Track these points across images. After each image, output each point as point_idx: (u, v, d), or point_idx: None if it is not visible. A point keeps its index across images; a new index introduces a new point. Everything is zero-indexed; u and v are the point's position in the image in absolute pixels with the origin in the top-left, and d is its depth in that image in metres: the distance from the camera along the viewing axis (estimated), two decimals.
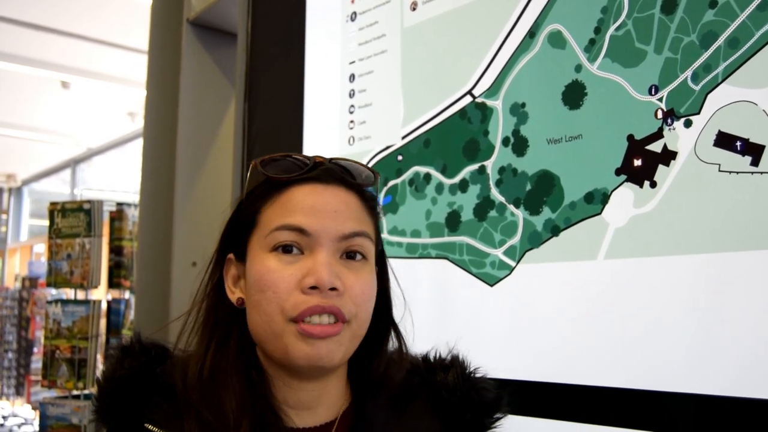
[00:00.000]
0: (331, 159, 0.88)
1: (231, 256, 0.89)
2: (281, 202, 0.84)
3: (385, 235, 1.67)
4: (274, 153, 0.90)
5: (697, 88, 1.13)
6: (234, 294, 0.88)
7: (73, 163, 10.01)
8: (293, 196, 0.84)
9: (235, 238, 0.88)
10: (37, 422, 3.43)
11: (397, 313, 0.95)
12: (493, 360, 1.40)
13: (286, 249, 0.82)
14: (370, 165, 1.72)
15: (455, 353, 0.96)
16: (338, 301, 0.80)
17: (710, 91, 1.12)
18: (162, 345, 0.91)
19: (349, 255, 0.84)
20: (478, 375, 0.94)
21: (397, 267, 1.63)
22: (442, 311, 1.52)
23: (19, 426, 8.23)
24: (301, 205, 0.83)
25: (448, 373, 0.92)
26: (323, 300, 0.79)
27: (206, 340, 0.86)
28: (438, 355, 0.96)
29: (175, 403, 0.82)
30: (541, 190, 1.35)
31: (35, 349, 7.92)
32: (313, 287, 0.79)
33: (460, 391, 0.91)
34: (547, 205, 1.34)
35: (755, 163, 1.06)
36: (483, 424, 0.91)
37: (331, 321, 0.80)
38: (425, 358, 0.97)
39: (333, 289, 0.80)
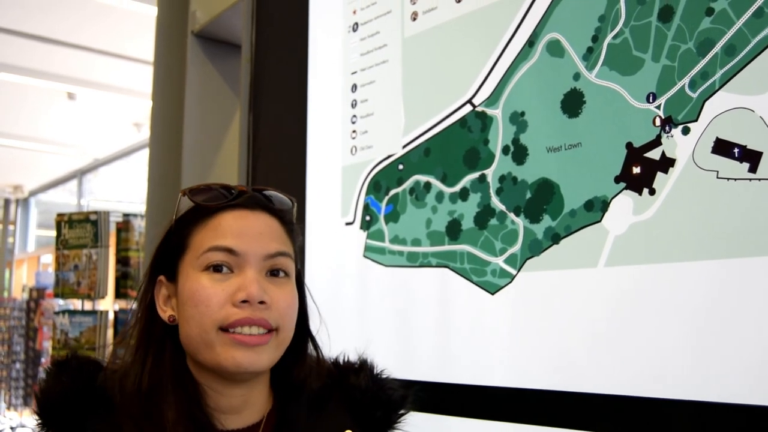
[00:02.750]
0: (253, 188, 0.97)
1: (162, 277, 0.96)
2: (211, 226, 0.93)
3: (386, 244, 1.68)
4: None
5: (694, 95, 1.14)
6: (165, 312, 0.95)
7: (80, 174, 10.05)
8: (222, 221, 0.93)
9: (166, 261, 0.96)
10: None
11: (314, 326, 1.05)
12: (494, 368, 1.41)
13: (217, 268, 0.90)
14: (371, 174, 1.74)
15: (363, 357, 1.05)
16: (266, 313, 0.89)
17: (708, 99, 1.12)
18: (95, 360, 0.97)
19: (273, 272, 0.93)
20: (384, 376, 1.04)
21: (397, 276, 1.65)
22: (443, 320, 1.52)
23: None
24: (230, 229, 0.92)
25: (359, 375, 1.02)
26: (253, 313, 0.88)
27: (142, 356, 0.93)
28: (347, 359, 1.06)
29: (113, 415, 0.89)
30: (541, 198, 1.36)
31: (43, 360, 7.94)
32: (244, 301, 0.88)
33: (371, 391, 1.00)
34: (548, 213, 1.34)
35: (753, 169, 1.06)
36: (390, 419, 1.01)
37: (261, 332, 0.89)
38: (336, 362, 1.05)
39: (261, 302, 0.89)
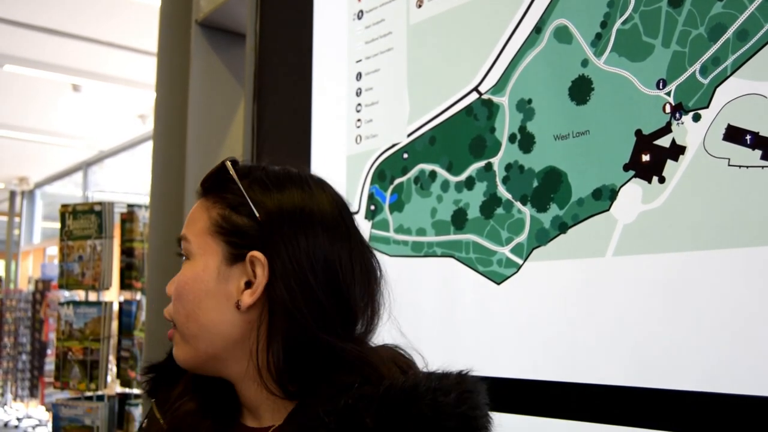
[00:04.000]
0: None
1: None
2: None
3: (390, 234, 1.66)
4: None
5: (705, 81, 1.12)
6: None
7: (85, 166, 10.06)
8: None
9: None
10: (50, 424, 3.45)
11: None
12: (500, 359, 1.39)
13: None
14: (376, 164, 1.72)
15: (402, 379, 0.78)
16: (167, 307, 0.89)
17: (719, 85, 1.10)
18: None
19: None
20: (423, 407, 0.74)
21: (402, 266, 1.63)
22: (449, 310, 1.51)
23: (33, 427, 8.29)
24: None
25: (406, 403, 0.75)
26: None
27: None
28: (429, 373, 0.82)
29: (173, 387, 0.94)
30: (549, 187, 1.34)
31: (48, 351, 7.97)
32: None
33: (360, 413, 0.74)
34: (555, 201, 1.32)
35: (766, 156, 1.04)
36: None
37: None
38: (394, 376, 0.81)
39: (169, 297, 0.88)
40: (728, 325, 1.06)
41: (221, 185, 0.87)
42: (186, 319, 0.85)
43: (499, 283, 1.41)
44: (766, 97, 1.04)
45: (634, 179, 1.20)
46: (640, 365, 1.17)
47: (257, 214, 0.83)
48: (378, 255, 1.66)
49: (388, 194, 1.69)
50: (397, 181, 1.66)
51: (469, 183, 1.49)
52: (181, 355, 0.87)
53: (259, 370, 0.82)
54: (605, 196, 1.24)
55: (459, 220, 1.50)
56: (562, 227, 1.31)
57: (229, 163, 0.88)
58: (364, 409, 0.74)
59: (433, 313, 1.54)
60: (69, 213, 3.54)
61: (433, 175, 1.57)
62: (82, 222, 3.50)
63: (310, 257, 0.82)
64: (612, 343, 1.21)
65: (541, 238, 1.34)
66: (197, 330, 0.84)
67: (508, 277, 1.40)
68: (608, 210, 1.24)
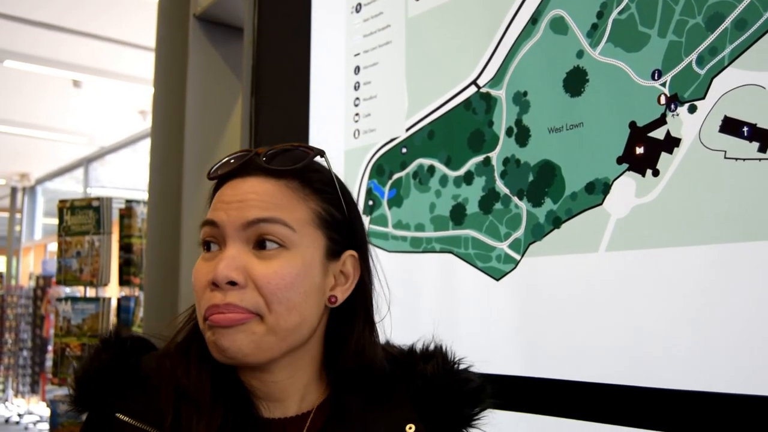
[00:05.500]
0: (268, 149, 0.86)
1: None
2: (213, 201, 0.85)
3: (389, 229, 1.65)
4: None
5: (702, 72, 1.10)
6: None
7: (86, 162, 10.06)
8: (218, 194, 0.85)
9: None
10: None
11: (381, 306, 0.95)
12: (499, 356, 1.38)
13: (206, 245, 0.83)
14: (374, 158, 1.71)
15: (438, 344, 0.94)
16: (238, 295, 0.78)
17: (716, 75, 1.09)
18: (141, 338, 0.91)
19: (261, 244, 0.80)
20: (461, 366, 0.91)
21: (401, 262, 1.62)
22: (448, 306, 1.50)
23: (35, 423, 8.30)
24: (219, 201, 0.83)
25: (428, 363, 0.90)
26: (222, 298, 0.78)
27: (188, 333, 0.87)
28: (424, 346, 0.94)
29: (149, 395, 0.82)
30: (543, 181, 1.32)
31: (49, 347, 7.97)
32: (214, 284, 0.78)
33: (439, 380, 0.88)
34: (549, 196, 1.31)
35: (763, 149, 1.03)
36: (463, 414, 0.87)
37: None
38: (410, 348, 0.95)
39: (231, 283, 0.78)
40: (723, 322, 1.05)
41: (304, 174, 0.85)
42: (288, 311, 0.80)
43: (498, 279, 1.40)
44: (764, 87, 1.03)
45: (627, 172, 1.19)
46: (634, 363, 1.16)
47: (347, 213, 0.88)
48: (376, 251, 1.66)
49: (386, 189, 1.68)
50: (396, 176, 1.65)
51: (468, 178, 1.48)
52: (257, 349, 0.79)
53: (318, 359, 0.88)
54: (598, 190, 1.23)
55: (458, 215, 1.49)
56: (556, 222, 1.30)
57: (327, 159, 0.87)
58: (440, 383, 0.88)
59: (432, 310, 1.53)
60: (67, 208, 3.53)
61: (431, 169, 1.56)
62: (80, 217, 3.49)
63: (371, 257, 0.92)
64: (605, 341, 1.20)
65: (536, 233, 1.33)
66: (297, 323, 0.81)
67: (507, 273, 1.38)
68: (601, 204, 1.22)
